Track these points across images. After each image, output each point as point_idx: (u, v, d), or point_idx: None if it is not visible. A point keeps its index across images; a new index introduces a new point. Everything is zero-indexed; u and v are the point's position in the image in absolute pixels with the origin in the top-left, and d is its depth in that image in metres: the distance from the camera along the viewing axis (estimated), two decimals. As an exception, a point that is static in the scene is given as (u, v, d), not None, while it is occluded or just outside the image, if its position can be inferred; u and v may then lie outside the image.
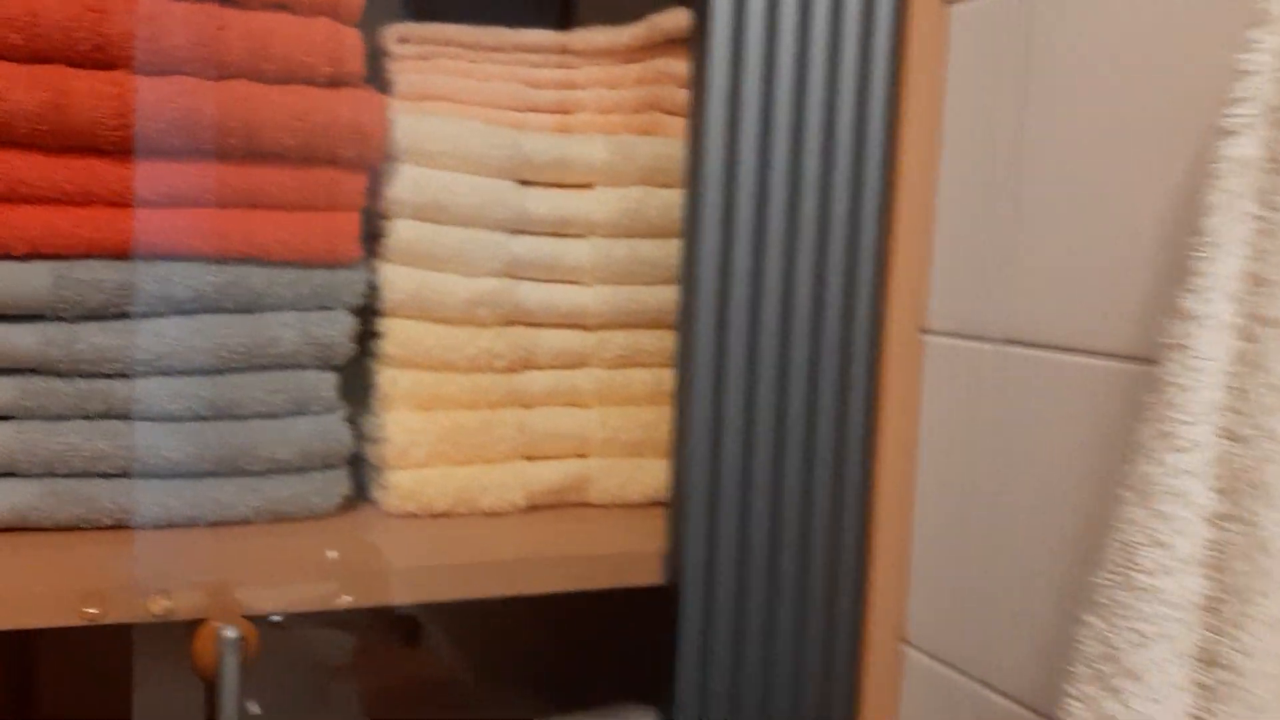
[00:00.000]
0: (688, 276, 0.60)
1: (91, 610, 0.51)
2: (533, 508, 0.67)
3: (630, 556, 0.63)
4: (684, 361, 0.61)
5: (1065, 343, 0.53)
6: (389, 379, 0.64)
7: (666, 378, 0.69)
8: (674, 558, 0.61)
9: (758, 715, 0.63)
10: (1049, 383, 0.53)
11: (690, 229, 0.60)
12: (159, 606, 0.52)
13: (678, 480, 0.61)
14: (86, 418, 0.58)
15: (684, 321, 0.61)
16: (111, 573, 0.54)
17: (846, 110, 0.60)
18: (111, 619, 0.51)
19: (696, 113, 0.59)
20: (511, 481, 0.66)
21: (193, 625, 0.53)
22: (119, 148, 0.55)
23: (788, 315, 0.60)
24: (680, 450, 0.61)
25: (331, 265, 0.61)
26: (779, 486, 0.61)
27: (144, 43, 0.55)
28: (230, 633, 0.50)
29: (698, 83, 0.59)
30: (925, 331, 0.63)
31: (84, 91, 0.54)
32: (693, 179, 0.59)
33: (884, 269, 0.61)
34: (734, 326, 0.59)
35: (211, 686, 0.52)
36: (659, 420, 0.69)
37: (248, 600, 0.54)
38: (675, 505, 0.61)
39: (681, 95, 0.68)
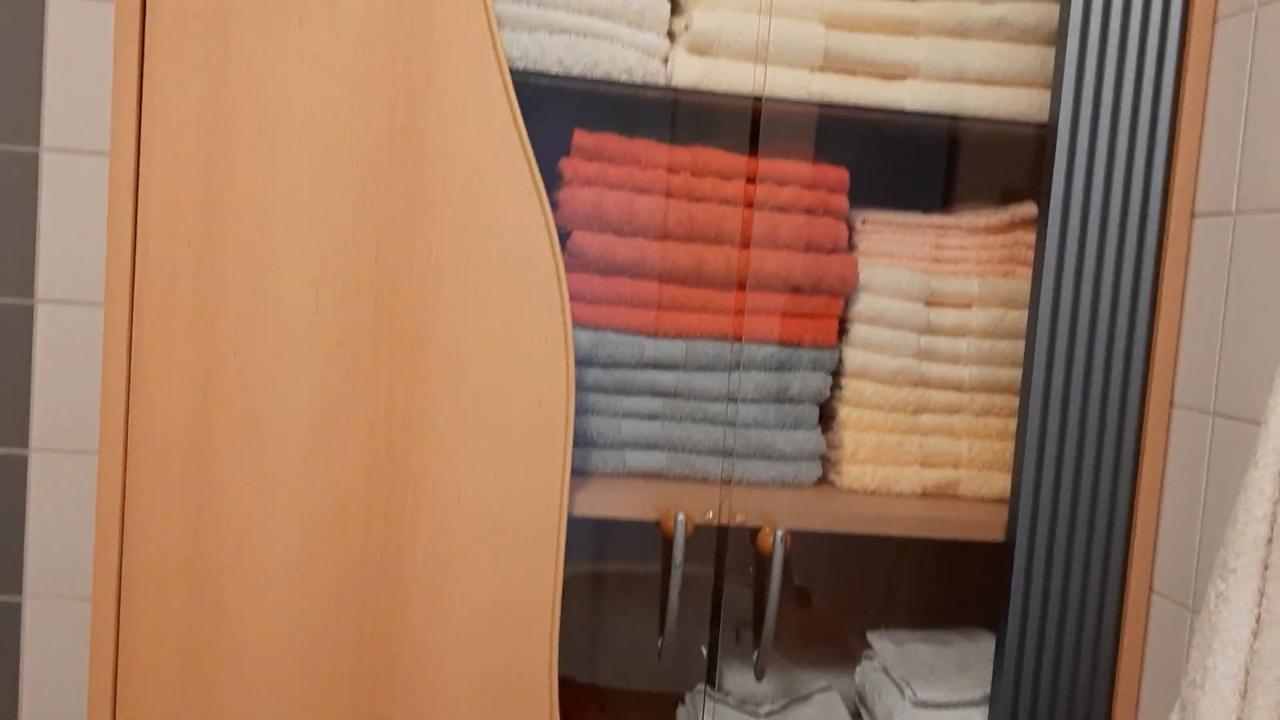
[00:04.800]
0: (1027, 359, 1.05)
1: (710, 515, 1.03)
2: (925, 495, 1.14)
3: (985, 524, 1.08)
4: (1023, 409, 1.05)
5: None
6: (845, 413, 1.13)
7: (1013, 425, 1.14)
8: (1011, 524, 1.05)
9: (1056, 633, 1.05)
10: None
11: (1030, 333, 1.04)
12: (739, 517, 1.04)
13: (1016, 479, 1.05)
14: (693, 420, 1.11)
15: (1024, 385, 1.05)
16: (708, 501, 1.06)
17: (1126, 281, 1.03)
18: (716, 522, 1.03)
19: (1038, 262, 1.04)
20: (914, 478, 1.13)
21: (754, 531, 1.04)
22: (724, 284, 1.09)
23: (1088, 382, 1.03)
24: (1019, 462, 1.05)
25: (820, 347, 1.11)
26: (1077, 483, 1.04)
27: (737, 232, 1.08)
28: (780, 532, 1.01)
29: (1039, 245, 1.04)
30: (1175, 406, 1.03)
31: (711, 257, 1.08)
32: (1033, 302, 1.04)
33: (1149, 352, 1.03)
34: (1055, 388, 1.03)
35: (764, 568, 1.02)
36: (1007, 449, 1.14)
37: (780, 519, 1.04)
38: (1014, 494, 1.05)
39: (1029, 254, 1.14)
